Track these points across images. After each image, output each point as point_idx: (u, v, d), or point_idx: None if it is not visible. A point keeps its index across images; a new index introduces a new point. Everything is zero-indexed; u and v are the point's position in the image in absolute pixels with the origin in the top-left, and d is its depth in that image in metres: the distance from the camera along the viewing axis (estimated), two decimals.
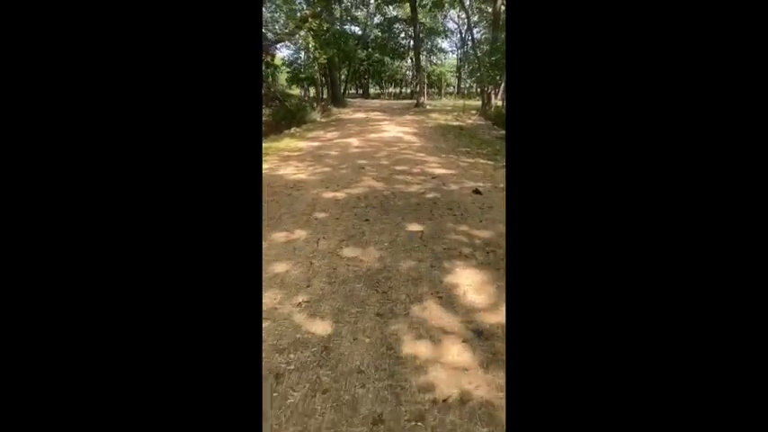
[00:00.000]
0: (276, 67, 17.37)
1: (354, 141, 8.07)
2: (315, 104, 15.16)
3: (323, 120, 14.01)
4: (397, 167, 5.56)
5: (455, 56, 31.44)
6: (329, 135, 9.36)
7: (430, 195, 4.17)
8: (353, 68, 26.70)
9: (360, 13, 23.44)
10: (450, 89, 31.41)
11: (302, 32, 14.89)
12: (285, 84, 21.88)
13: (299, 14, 12.04)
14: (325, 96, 19.93)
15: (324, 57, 14.07)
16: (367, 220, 3.41)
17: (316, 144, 7.93)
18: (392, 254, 2.74)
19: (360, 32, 23.57)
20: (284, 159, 6.28)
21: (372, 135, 8.98)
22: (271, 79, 16.31)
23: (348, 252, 2.78)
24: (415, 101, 18.38)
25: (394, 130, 9.97)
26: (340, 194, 4.22)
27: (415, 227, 3.25)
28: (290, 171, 5.42)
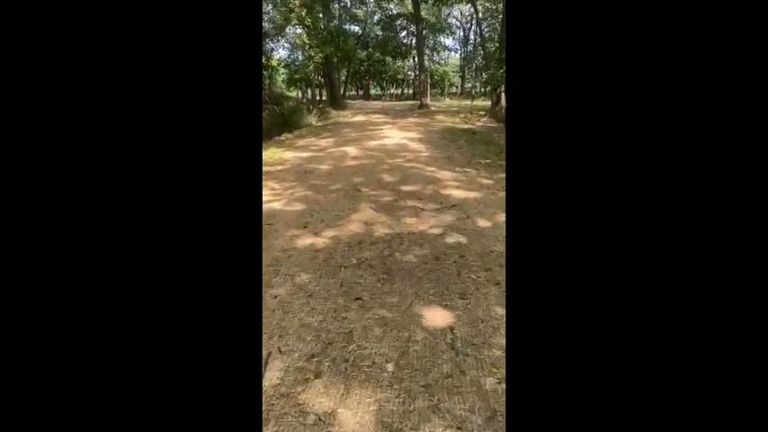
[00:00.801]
0: (274, 68, 16.07)
1: (351, 151, 6.73)
2: (311, 107, 13.82)
3: (319, 123, 12.69)
4: (404, 188, 4.22)
5: (458, 55, 30.11)
6: (323, 142, 8.03)
7: (452, 240, 2.83)
8: (354, 69, 25.36)
9: (359, 12, 22.07)
10: (453, 89, 30.00)
11: (298, 30, 13.56)
12: (283, 86, 20.54)
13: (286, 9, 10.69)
14: (325, 98, 18.64)
15: (319, 55, 12.74)
16: (359, 298, 2.07)
17: (305, 155, 6.59)
18: (404, 402, 1.39)
19: (359, 31, 22.20)
20: None
21: (372, 142, 7.64)
22: (268, 81, 15.03)
23: (315, 399, 1.43)
24: (419, 102, 16.97)
25: (397, 135, 8.63)
26: (322, 240, 2.89)
27: (437, 315, 1.91)
28: (264, 197, 4.08)
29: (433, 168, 5.19)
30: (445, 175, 4.84)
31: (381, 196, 3.97)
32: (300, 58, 14.48)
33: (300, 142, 8.22)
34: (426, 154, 6.28)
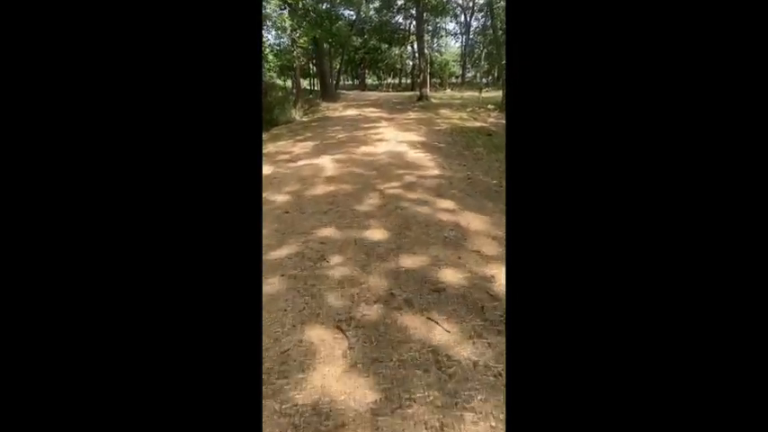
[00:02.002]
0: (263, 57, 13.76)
1: (329, 165, 4.75)
2: (296, 99, 11.71)
3: (304, 119, 10.66)
4: (404, 261, 2.27)
5: (457, 44, 27.73)
6: (298, 148, 6.03)
7: None
8: (348, 57, 23.03)
9: None
10: (453, 80, 27.67)
11: (283, 12, 11.35)
12: (274, 75, 18.17)
13: None
14: (317, 88, 16.50)
15: (303, 39, 10.60)
16: None
17: (264, 172, 4.61)
18: None
19: (353, 16, 19.80)
20: None
21: (362, 149, 5.65)
22: None
23: None
24: (418, 93, 14.80)
25: (394, 137, 6.63)
26: None
27: None
28: None
29: (451, 205, 3.22)
30: (472, 222, 2.88)
31: (362, 284, 2.02)
32: (283, 42, 12.22)
33: (270, 147, 6.21)
34: (435, 172, 4.29)
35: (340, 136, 7.00)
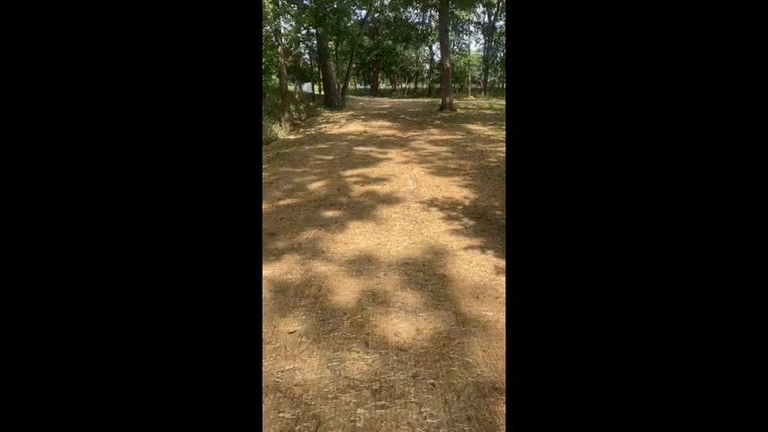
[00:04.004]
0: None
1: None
2: (281, 110, 8.49)
3: (290, 137, 7.51)
4: None
5: (477, 47, 24.20)
6: None
7: None
8: (360, 60, 19.75)
9: None
10: (473, 85, 24.11)
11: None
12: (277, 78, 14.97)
13: None
14: (322, 94, 13.34)
15: (292, 31, 7.40)
16: None
17: None
18: None
19: (364, 15, 16.47)
20: None
21: (342, 247, 2.42)
22: None
23: None
24: (441, 101, 11.45)
25: (414, 190, 3.39)
26: None
27: None
28: None
29: None
30: None
31: None
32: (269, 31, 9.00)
33: None
34: None
35: (318, 185, 3.78)
